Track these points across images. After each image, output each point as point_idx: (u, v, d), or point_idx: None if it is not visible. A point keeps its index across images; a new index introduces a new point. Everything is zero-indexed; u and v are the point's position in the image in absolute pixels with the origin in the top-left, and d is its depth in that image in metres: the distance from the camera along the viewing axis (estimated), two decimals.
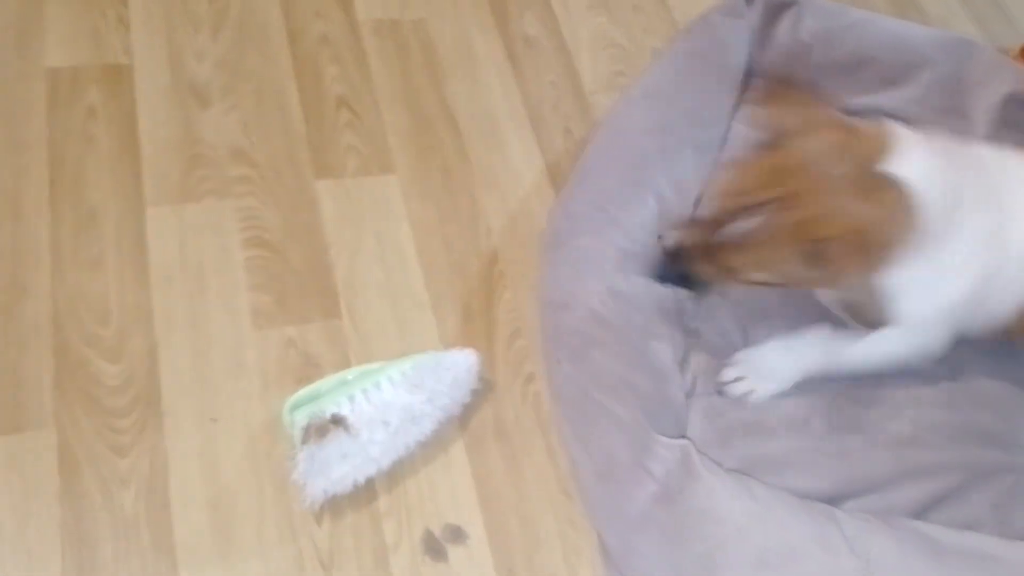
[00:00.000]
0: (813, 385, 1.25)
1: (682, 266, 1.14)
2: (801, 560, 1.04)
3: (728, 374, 1.24)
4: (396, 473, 1.21)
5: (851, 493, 1.17)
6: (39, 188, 1.36)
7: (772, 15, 1.51)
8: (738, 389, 1.23)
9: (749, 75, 1.49)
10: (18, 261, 1.29)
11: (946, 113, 1.43)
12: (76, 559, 1.11)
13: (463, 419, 1.26)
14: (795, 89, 1.11)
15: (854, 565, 1.03)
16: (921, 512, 1.17)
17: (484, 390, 1.28)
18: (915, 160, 1.05)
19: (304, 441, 1.14)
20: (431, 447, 1.23)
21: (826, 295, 1.27)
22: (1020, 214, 1.14)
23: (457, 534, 1.19)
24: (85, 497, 1.15)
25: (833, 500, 1.14)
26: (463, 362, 1.24)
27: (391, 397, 1.19)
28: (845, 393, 1.26)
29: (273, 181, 1.43)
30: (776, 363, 1.24)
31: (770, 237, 1.04)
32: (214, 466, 1.19)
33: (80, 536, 1.12)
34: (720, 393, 1.24)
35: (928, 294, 1.13)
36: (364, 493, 1.20)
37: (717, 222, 1.08)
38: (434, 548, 1.18)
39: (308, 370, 1.27)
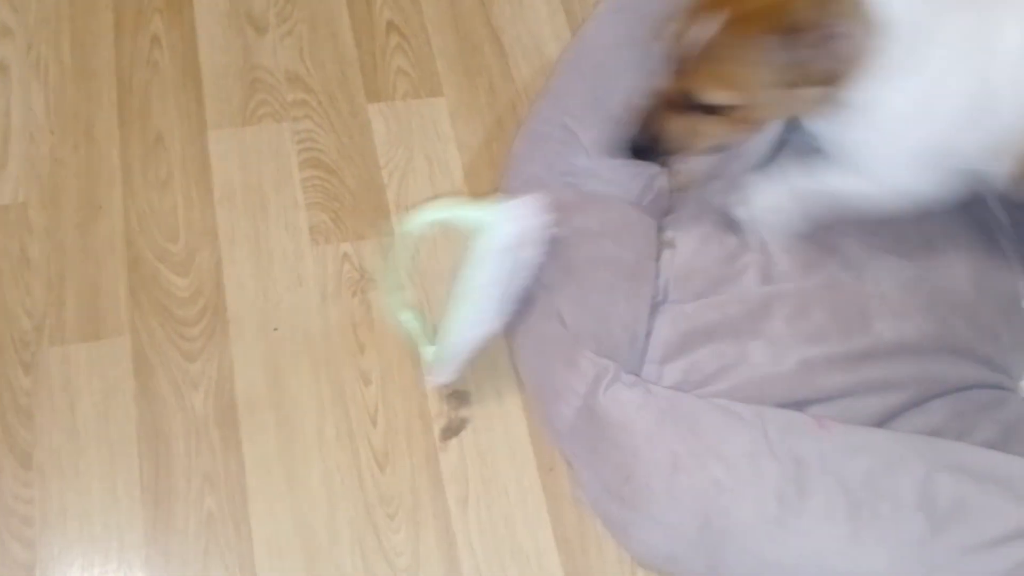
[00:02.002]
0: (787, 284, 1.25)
1: (654, 127, 1.10)
2: (716, 463, 1.06)
3: (731, 201, 1.26)
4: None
5: (806, 401, 1.18)
6: (109, 113, 1.44)
7: None
8: (742, 213, 1.25)
9: None
10: (92, 181, 1.38)
11: None
12: (152, 454, 1.21)
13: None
14: None
15: (777, 468, 1.06)
16: (881, 422, 1.17)
17: None
18: None
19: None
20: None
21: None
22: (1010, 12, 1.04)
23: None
24: (159, 398, 1.24)
25: (791, 407, 1.15)
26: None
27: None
28: (816, 295, 1.25)
29: (327, 105, 1.49)
30: (778, 196, 1.24)
31: (737, 35, 0.98)
32: (276, 371, 1.27)
33: (155, 433, 1.22)
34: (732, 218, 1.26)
35: (905, 116, 1.07)
36: (415, 396, 1.27)
37: (683, 60, 1.03)
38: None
39: (363, 284, 1.35)
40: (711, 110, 1.05)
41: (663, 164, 1.22)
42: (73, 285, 1.30)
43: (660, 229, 1.29)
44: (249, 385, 1.26)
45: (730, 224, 1.28)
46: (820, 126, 1.16)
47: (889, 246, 1.28)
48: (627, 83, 1.27)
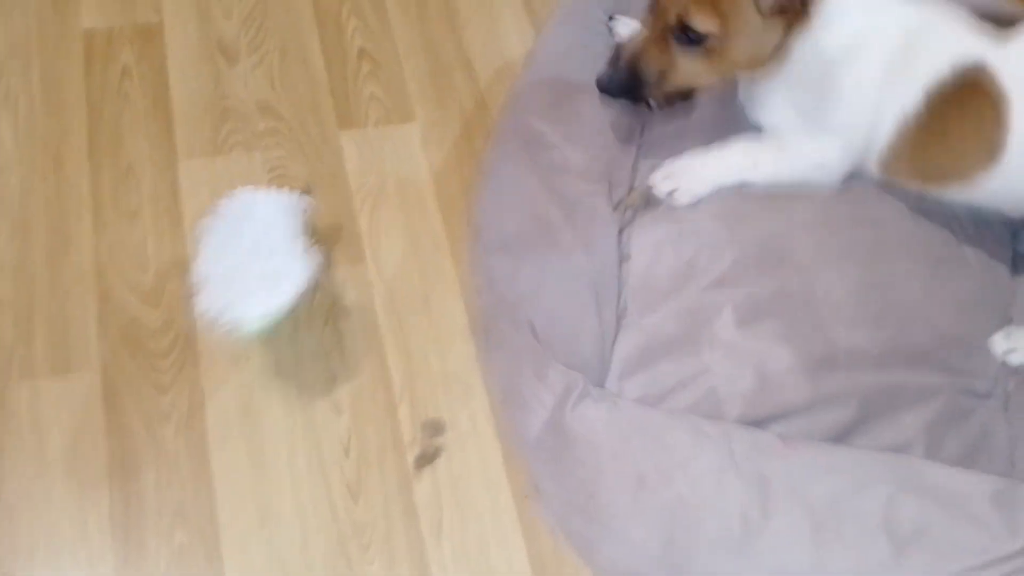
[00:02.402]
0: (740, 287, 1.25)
1: (635, 64, 1.15)
2: (682, 480, 1.05)
3: (656, 176, 1.27)
4: (417, 400, 1.28)
5: (770, 417, 1.16)
6: (79, 144, 1.43)
7: None
8: (664, 187, 1.26)
9: None
10: (62, 213, 1.38)
11: None
12: (122, 488, 1.20)
13: None
14: None
15: (742, 487, 1.05)
16: (843, 435, 1.16)
17: None
18: None
19: None
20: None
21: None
22: (894, 36, 1.16)
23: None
24: (129, 431, 1.23)
25: (753, 423, 1.14)
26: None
27: None
28: (768, 302, 1.24)
29: (299, 132, 1.49)
30: (700, 166, 1.27)
31: None
32: (247, 402, 1.27)
33: (125, 467, 1.21)
34: (649, 201, 1.28)
35: (817, 73, 1.16)
36: (388, 425, 1.27)
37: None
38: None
39: (335, 312, 1.34)
40: (692, 42, 1.10)
41: (642, 102, 1.22)
42: (42, 318, 1.30)
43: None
44: (220, 416, 1.25)
45: (682, 232, 1.28)
46: (750, 91, 1.25)
47: (841, 252, 1.28)
48: (582, 85, 1.30)
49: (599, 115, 1.33)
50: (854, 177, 1.30)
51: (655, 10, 1.12)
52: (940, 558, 1.03)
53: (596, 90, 1.32)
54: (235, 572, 1.17)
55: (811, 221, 1.31)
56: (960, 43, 1.17)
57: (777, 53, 1.14)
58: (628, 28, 1.35)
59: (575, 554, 1.18)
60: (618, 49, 1.17)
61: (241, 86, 1.52)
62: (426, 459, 1.26)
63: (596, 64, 1.33)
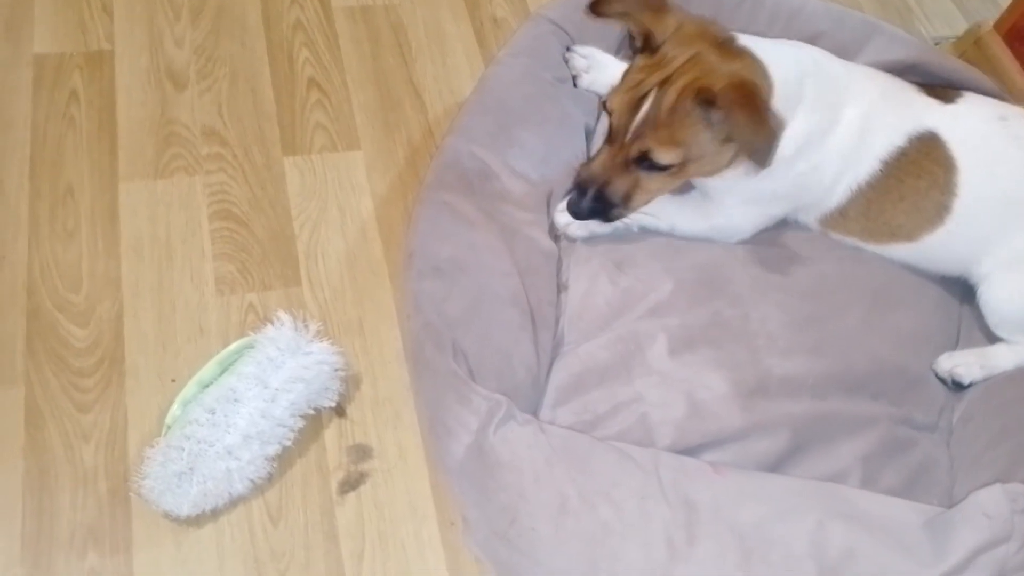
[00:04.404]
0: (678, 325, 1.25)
1: (597, 190, 1.17)
2: (605, 505, 1.04)
3: (556, 208, 1.29)
4: (345, 425, 1.26)
5: (702, 444, 1.16)
6: (21, 165, 1.44)
7: None
8: (560, 219, 1.29)
9: None
10: None
11: None
12: (36, 506, 1.17)
13: None
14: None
15: (668, 512, 1.04)
16: (778, 464, 1.15)
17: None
18: (766, 46, 1.16)
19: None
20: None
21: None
22: (849, 121, 1.22)
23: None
24: (48, 450, 1.21)
25: (685, 451, 1.13)
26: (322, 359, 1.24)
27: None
28: (701, 331, 1.25)
29: (243, 158, 1.49)
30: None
31: (671, 104, 1.10)
32: None
33: (41, 485, 1.19)
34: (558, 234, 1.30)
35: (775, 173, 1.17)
36: (314, 449, 1.25)
37: (621, 131, 1.14)
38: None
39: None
40: (656, 168, 1.15)
41: (611, 220, 1.23)
42: None
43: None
44: (143, 437, 1.23)
45: (618, 263, 1.28)
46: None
47: (778, 284, 1.28)
48: (527, 115, 1.33)
49: (541, 145, 1.34)
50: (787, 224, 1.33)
51: (617, 142, 1.15)
52: None
53: (540, 120, 1.34)
54: None
55: (748, 257, 1.31)
56: (912, 113, 1.25)
57: (734, 161, 1.18)
58: (584, 61, 1.37)
59: None
60: (582, 174, 1.20)
61: (187, 112, 1.53)
62: (350, 485, 1.24)
63: (544, 94, 1.35)
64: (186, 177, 1.46)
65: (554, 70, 1.38)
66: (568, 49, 1.38)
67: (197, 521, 1.17)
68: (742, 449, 1.17)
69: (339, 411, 1.28)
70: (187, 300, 1.35)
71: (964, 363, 1.27)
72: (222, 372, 1.22)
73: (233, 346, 1.23)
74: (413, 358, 1.20)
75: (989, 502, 1.05)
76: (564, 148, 1.36)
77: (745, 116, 1.06)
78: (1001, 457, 1.19)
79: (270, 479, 1.21)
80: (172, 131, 1.50)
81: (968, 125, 1.26)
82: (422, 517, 1.23)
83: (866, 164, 1.24)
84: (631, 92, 1.13)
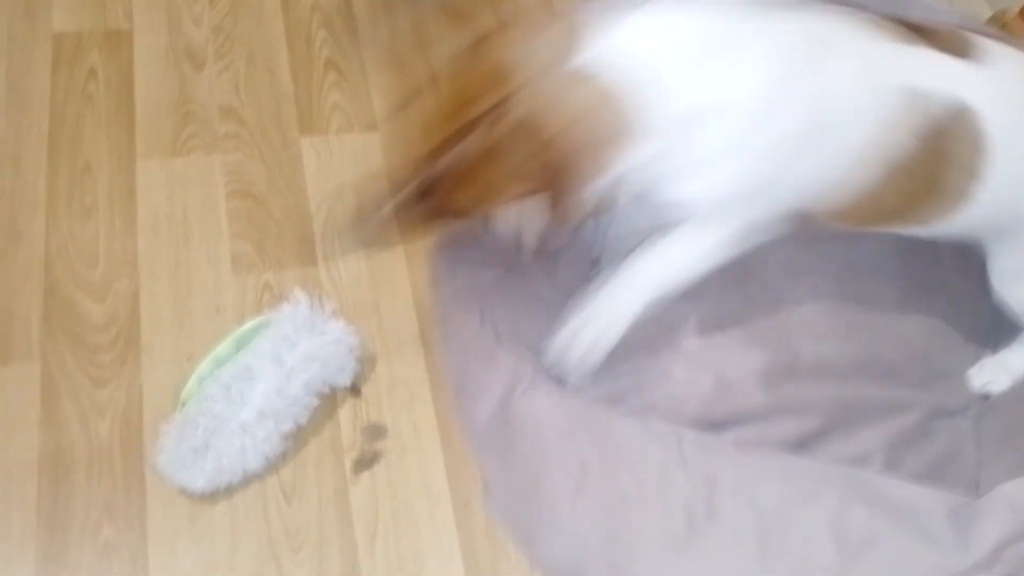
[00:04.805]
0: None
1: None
2: (626, 474, 1.04)
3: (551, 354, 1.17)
4: (360, 404, 1.26)
5: (726, 421, 1.15)
6: (38, 142, 1.44)
7: None
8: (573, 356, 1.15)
9: None
10: (15, 208, 1.37)
11: None
12: (51, 482, 1.17)
13: None
14: None
15: (688, 485, 1.03)
16: (802, 445, 1.15)
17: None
18: (622, 44, 0.94)
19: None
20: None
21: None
22: (813, 67, 0.97)
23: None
24: (64, 425, 1.21)
25: (710, 427, 1.13)
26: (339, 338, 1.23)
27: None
28: (733, 314, 1.23)
29: (260, 138, 1.49)
30: (602, 307, 1.16)
31: (494, 159, 0.93)
32: None
33: (56, 461, 1.19)
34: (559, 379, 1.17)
35: (704, 178, 1.01)
36: (328, 428, 1.24)
37: (432, 156, 0.97)
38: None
39: None
40: None
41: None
42: None
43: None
44: (157, 413, 1.23)
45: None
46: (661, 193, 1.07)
47: (813, 267, 1.27)
48: None
49: None
50: None
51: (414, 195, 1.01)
52: (888, 570, 1.01)
53: None
54: (159, 571, 1.13)
55: (782, 240, 1.28)
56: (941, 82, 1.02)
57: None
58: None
59: (518, 554, 1.16)
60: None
61: (205, 91, 1.52)
62: (364, 464, 1.23)
63: None
64: (203, 156, 1.46)
65: None
66: None
67: (212, 498, 1.17)
68: (767, 428, 1.17)
69: (354, 391, 1.27)
70: (203, 278, 1.34)
71: (994, 379, 1.25)
72: (238, 350, 1.22)
73: (249, 324, 1.23)
74: (440, 325, 1.20)
75: (1017, 495, 1.03)
76: None
77: (586, 161, 0.93)
78: None
79: (284, 457, 1.20)
80: (190, 110, 1.50)
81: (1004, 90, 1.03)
82: (436, 497, 1.22)
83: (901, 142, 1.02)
84: (445, 125, 0.98)
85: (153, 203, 1.40)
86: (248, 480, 1.18)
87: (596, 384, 1.18)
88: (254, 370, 1.18)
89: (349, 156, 1.49)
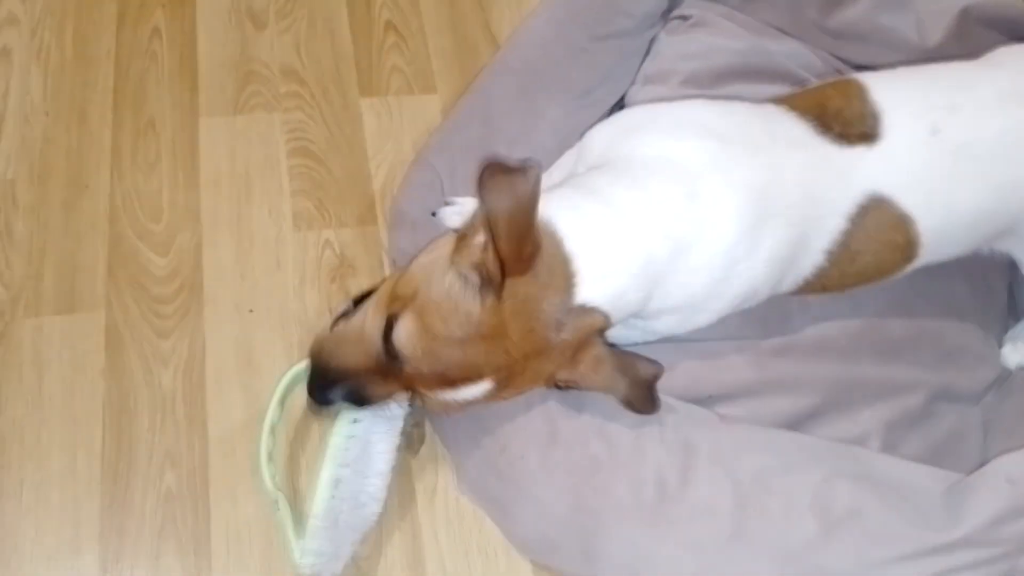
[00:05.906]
0: None
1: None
2: (598, 440, 1.02)
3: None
4: None
5: (715, 395, 1.12)
6: (104, 98, 1.45)
7: None
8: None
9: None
10: (81, 162, 1.39)
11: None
12: (115, 429, 1.19)
13: None
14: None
15: (663, 452, 1.01)
16: (796, 423, 1.11)
17: None
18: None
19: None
20: None
21: None
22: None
23: None
24: (127, 373, 1.22)
25: (696, 400, 1.10)
26: None
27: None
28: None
29: (320, 97, 1.50)
30: None
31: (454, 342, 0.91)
32: (248, 352, 1.25)
33: (121, 408, 1.20)
34: None
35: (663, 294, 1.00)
36: None
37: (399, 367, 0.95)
38: None
39: (343, 270, 1.33)
40: None
41: None
42: (53, 260, 1.30)
43: None
44: (219, 364, 1.24)
45: None
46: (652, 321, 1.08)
47: None
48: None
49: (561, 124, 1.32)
50: None
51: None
52: (872, 543, 0.97)
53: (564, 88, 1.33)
54: (220, 520, 1.14)
55: None
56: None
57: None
58: (457, 218, 1.22)
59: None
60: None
61: (267, 51, 1.53)
62: (412, 450, 1.21)
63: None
64: (265, 114, 1.46)
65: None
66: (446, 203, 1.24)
67: None
68: (758, 404, 1.14)
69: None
70: (265, 234, 1.35)
71: None
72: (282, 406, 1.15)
73: (287, 378, 1.14)
74: None
75: (1014, 467, 0.99)
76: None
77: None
78: None
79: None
80: (251, 69, 1.51)
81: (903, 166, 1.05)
82: None
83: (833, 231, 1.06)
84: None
85: (215, 159, 1.41)
86: None
87: None
88: (362, 436, 1.08)
89: (408, 118, 1.49)
